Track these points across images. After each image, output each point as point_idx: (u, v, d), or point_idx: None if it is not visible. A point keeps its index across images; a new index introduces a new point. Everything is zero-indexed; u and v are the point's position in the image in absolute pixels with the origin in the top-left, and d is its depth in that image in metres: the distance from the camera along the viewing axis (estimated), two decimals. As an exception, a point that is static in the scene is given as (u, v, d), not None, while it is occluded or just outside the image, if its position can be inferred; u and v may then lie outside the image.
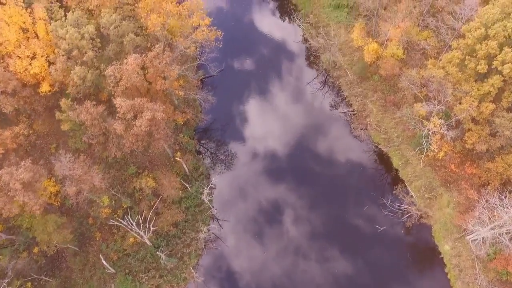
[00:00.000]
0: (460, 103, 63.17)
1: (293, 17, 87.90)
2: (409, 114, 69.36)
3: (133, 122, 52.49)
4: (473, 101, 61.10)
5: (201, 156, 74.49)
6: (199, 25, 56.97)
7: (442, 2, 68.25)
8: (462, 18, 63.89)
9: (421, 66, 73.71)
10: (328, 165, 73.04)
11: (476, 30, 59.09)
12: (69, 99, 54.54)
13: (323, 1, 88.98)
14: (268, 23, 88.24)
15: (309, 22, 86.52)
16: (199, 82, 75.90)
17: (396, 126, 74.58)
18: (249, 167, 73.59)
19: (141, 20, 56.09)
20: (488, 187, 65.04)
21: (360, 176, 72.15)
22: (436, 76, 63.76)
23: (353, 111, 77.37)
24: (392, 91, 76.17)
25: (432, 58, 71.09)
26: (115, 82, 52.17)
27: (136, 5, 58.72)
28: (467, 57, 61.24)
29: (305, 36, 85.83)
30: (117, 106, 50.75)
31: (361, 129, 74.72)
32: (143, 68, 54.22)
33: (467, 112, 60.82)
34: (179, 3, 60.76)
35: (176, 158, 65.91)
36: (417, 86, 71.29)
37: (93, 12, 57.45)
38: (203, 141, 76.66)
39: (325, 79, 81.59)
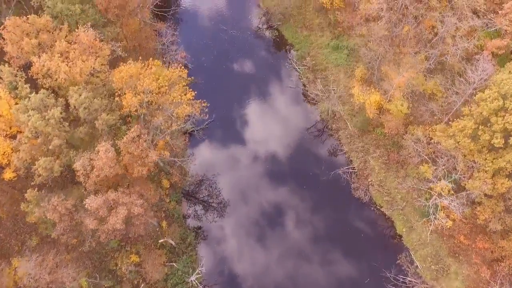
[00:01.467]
0: (471, 176, 56.36)
1: (289, 59, 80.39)
2: (414, 179, 62.64)
3: (108, 218, 45.61)
4: (486, 177, 54.21)
5: (189, 219, 67.79)
6: (181, 99, 49.49)
7: (452, 60, 60.79)
8: (474, 82, 56.47)
9: (428, 122, 66.54)
10: (325, 230, 66.33)
11: (492, 102, 51.84)
12: (36, 189, 47.55)
13: (321, 41, 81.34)
14: (262, 65, 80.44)
15: (306, 65, 78.92)
16: (187, 138, 68.68)
17: (400, 186, 67.62)
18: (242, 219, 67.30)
19: (116, 98, 48.74)
20: (502, 264, 58.58)
21: (361, 242, 65.28)
22: (446, 146, 56.79)
23: (353, 168, 70.29)
24: (396, 147, 68.92)
25: (440, 121, 63.70)
26: (85, 174, 45.13)
27: (110, 75, 51.42)
28: (480, 127, 54.12)
29: (301, 80, 78.29)
30: (86, 206, 43.81)
31: (362, 190, 67.80)
32: (118, 153, 47.13)
33: (480, 189, 53.96)
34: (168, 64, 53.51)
35: (160, 241, 59.18)
36: (423, 144, 64.40)
37: (62, 84, 50.11)
38: (192, 190, 70.23)
39: (323, 129, 74.35)
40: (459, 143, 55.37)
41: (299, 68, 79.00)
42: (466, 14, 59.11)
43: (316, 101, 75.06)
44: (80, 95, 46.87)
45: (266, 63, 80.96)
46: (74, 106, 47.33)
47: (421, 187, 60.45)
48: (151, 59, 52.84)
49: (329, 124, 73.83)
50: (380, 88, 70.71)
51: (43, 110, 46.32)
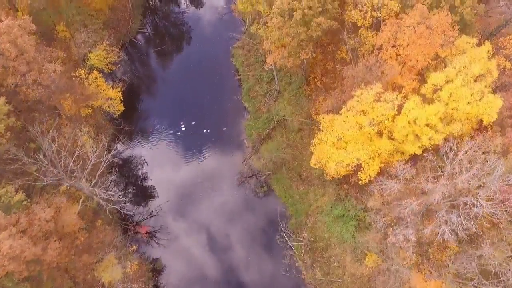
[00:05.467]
0: None
1: (282, 230, 60.36)
2: None
3: None
4: None
5: None
6: None
7: None
8: None
9: None
10: None
11: None
12: None
13: (322, 202, 60.94)
14: (247, 237, 60.01)
15: (302, 241, 59.25)
16: None
17: None
18: None
19: None
20: None
21: None
22: None
23: None
24: None
25: None
26: None
27: None
28: None
29: (297, 263, 58.72)
30: None
31: None
32: None
33: None
34: None
35: None
36: None
37: None
38: None
39: None
40: None
41: (294, 244, 59.28)
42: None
43: (315, 296, 56.13)
44: None
45: (252, 234, 60.47)
46: None
47: None
48: None
49: (333, 336, 55.23)
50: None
51: None
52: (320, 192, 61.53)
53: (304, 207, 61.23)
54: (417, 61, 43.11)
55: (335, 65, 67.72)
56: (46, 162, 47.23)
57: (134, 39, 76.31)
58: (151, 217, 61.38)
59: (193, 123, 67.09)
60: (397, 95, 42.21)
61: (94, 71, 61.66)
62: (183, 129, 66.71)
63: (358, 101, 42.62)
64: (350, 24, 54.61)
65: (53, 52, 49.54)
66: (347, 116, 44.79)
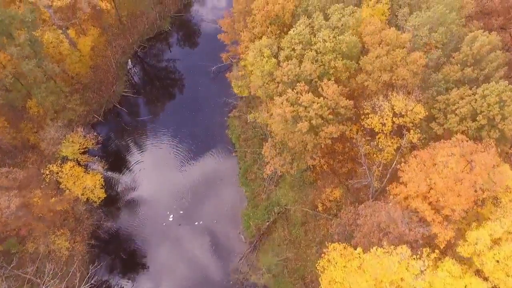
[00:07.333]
0: None
1: None
2: None
3: None
4: None
5: None
6: None
7: None
8: None
9: None
10: None
11: None
12: None
13: (328, 313, 53.02)
14: None
15: None
16: None
17: None
18: None
19: None
20: None
21: None
22: None
23: None
24: None
25: None
26: None
27: None
28: None
29: None
30: None
31: None
32: None
33: None
34: None
35: None
36: None
37: None
38: None
39: None
40: None
41: None
42: None
43: None
44: None
45: None
46: None
47: None
48: None
49: None
50: None
51: None
52: (327, 301, 53.22)
53: (307, 318, 53.13)
54: (454, 211, 34.20)
55: (344, 145, 58.77)
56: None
57: (118, 105, 66.55)
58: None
59: (181, 212, 58.11)
60: (427, 256, 33.34)
61: (69, 162, 52.62)
62: (171, 219, 57.80)
63: (377, 261, 33.82)
64: (366, 126, 45.32)
65: (10, 173, 40.21)
66: (359, 266, 36.12)
